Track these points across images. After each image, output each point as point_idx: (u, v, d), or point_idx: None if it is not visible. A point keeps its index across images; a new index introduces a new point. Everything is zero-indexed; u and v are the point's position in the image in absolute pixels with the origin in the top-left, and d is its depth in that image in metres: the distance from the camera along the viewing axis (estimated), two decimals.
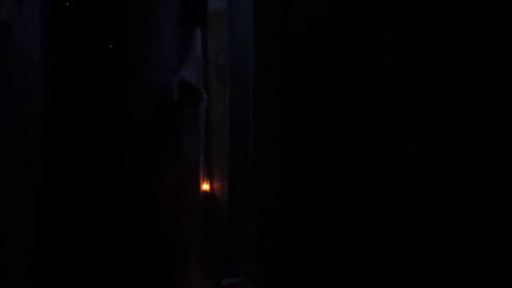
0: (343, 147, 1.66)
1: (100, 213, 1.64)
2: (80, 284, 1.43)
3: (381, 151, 1.47)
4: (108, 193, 1.52)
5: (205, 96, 2.13)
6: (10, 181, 1.91)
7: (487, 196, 1.20)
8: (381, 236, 1.48)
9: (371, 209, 1.52)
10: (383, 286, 1.53)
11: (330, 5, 1.78)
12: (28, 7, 1.75)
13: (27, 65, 1.70)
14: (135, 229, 1.84)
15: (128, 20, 1.70)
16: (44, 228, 1.62)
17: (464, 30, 1.23)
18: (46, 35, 1.51)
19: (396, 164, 1.41)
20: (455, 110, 1.27)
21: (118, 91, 1.65)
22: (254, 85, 2.22)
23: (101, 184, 1.55)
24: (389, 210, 1.43)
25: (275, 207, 1.99)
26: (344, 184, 1.67)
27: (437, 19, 1.27)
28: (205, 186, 5.82)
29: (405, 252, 1.40)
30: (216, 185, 5.88)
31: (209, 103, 5.38)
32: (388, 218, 1.44)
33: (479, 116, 1.21)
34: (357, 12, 1.63)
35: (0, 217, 1.86)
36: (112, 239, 1.60)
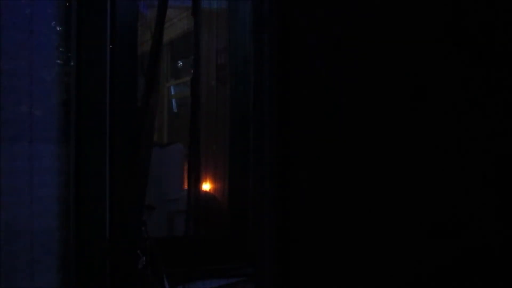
0: (344, 147, 1.66)
1: None
2: None
3: (384, 153, 1.48)
4: None
5: None
6: None
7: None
8: (384, 238, 1.48)
9: (372, 209, 1.53)
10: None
11: (331, 5, 1.79)
12: None
13: None
14: None
15: None
16: None
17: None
18: None
19: (400, 170, 1.41)
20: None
21: None
22: (254, 85, 2.22)
23: None
24: (393, 214, 1.44)
25: (274, 207, 2.00)
26: (344, 185, 1.68)
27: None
28: (205, 186, 5.83)
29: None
30: (216, 185, 5.89)
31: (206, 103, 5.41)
32: (393, 223, 1.44)
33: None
34: (358, 15, 1.63)
35: None
36: None
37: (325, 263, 1.77)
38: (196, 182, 4.35)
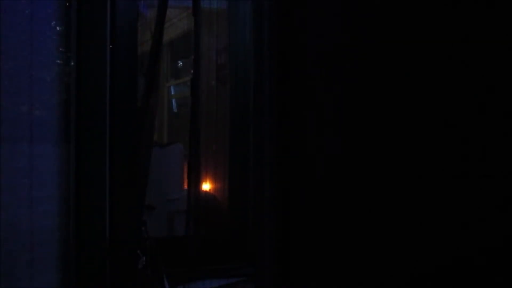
0: (344, 147, 1.66)
1: None
2: None
3: (383, 153, 1.47)
4: None
5: None
6: None
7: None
8: (384, 238, 1.48)
9: (372, 209, 1.53)
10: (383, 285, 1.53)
11: (331, 5, 1.79)
12: None
13: None
14: None
15: None
16: None
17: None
18: None
19: (400, 170, 1.41)
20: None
21: None
22: (254, 85, 2.23)
23: None
24: (393, 214, 1.43)
25: (275, 207, 2.00)
26: (344, 185, 1.67)
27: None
28: (205, 186, 5.83)
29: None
30: (216, 185, 5.89)
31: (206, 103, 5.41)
32: (393, 223, 1.44)
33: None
34: (358, 16, 1.63)
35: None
36: None
37: (325, 263, 1.77)
38: (196, 182, 4.35)
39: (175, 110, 7.59)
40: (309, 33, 1.89)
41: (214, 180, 5.55)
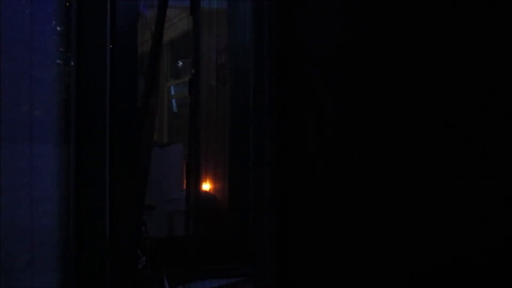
0: (343, 147, 1.66)
1: None
2: None
3: (383, 153, 1.47)
4: None
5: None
6: None
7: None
8: (384, 238, 1.48)
9: (373, 209, 1.52)
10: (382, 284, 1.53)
11: (331, 5, 1.79)
12: None
13: None
14: None
15: None
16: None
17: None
18: None
19: (400, 170, 1.40)
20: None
21: None
22: (254, 85, 2.23)
23: None
24: (393, 214, 1.43)
25: (275, 207, 2.00)
26: (344, 184, 1.67)
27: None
28: (205, 186, 5.83)
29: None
30: (216, 185, 5.89)
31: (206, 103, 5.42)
32: (393, 223, 1.43)
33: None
34: (358, 16, 1.63)
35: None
36: None
37: (325, 263, 1.77)
38: (196, 182, 4.35)
39: (175, 110, 7.59)
40: (309, 33, 1.89)
41: (214, 180, 5.54)
